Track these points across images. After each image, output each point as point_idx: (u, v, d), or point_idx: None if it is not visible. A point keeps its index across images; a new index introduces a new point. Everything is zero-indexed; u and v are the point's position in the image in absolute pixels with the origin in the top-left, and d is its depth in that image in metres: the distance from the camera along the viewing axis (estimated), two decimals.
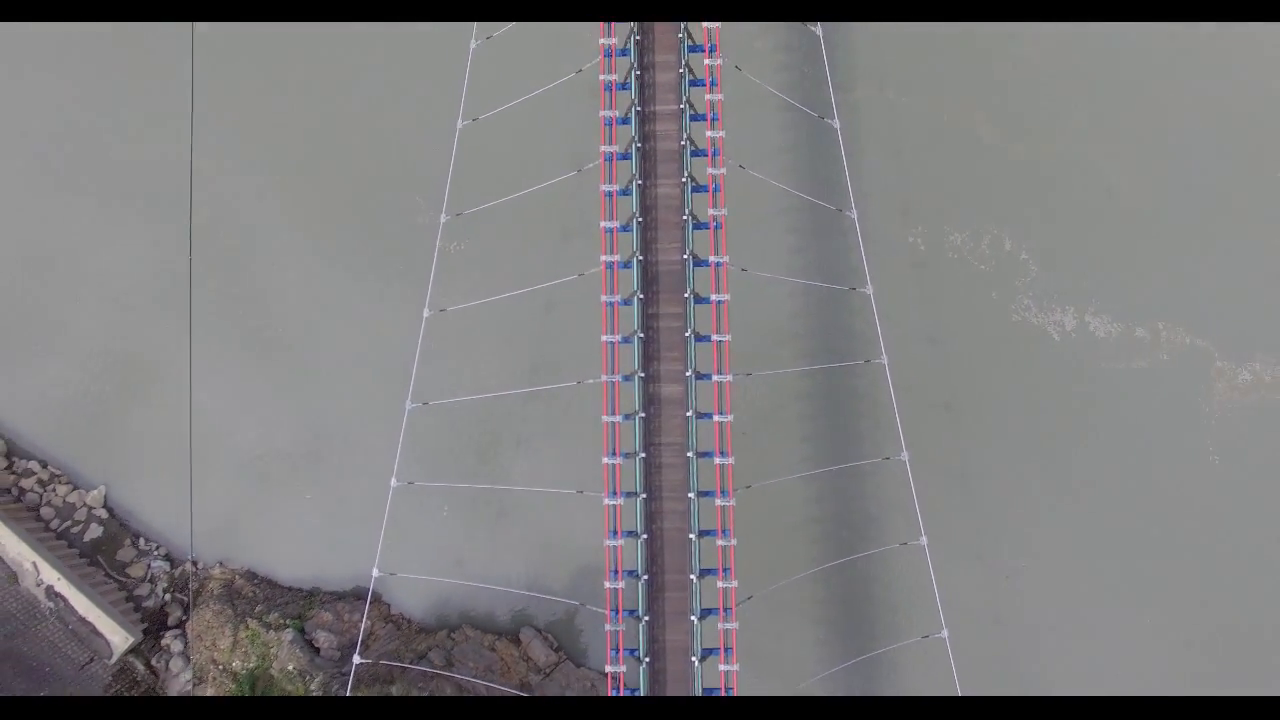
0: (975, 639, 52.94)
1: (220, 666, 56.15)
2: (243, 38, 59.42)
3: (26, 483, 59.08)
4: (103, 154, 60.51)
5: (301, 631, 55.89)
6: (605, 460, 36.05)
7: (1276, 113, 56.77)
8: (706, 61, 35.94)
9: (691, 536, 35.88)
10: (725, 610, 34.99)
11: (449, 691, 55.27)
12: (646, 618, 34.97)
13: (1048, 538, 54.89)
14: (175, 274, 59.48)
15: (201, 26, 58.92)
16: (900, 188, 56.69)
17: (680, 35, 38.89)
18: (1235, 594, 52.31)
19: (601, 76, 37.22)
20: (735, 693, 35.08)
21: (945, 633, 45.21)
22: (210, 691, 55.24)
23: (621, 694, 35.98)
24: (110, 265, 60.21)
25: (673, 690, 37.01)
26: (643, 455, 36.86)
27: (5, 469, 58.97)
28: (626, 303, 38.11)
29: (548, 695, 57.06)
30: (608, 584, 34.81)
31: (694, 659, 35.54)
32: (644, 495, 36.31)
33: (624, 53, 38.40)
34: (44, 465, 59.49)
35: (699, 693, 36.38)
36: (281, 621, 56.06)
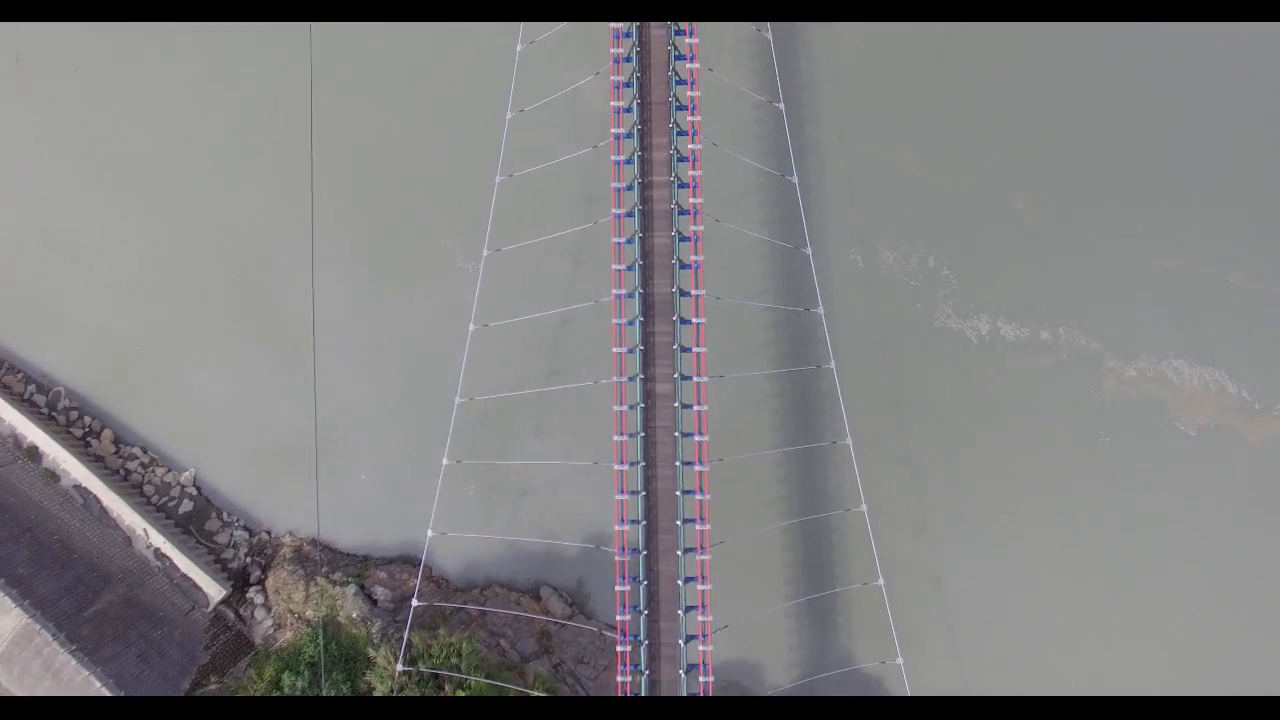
0: (915, 595, 69.23)
1: (296, 615, 72.32)
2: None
3: (131, 465, 75.63)
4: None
5: (361, 587, 72.07)
6: (615, 438, 52.49)
7: (1157, 147, 72.91)
8: (694, 148, 52.55)
9: (678, 494, 52.32)
10: (701, 549, 51.44)
11: (482, 635, 71.64)
12: (645, 552, 51.35)
13: (976, 508, 70.87)
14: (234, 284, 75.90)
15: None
16: (853, 220, 73.01)
17: (670, 122, 55.28)
18: (1119, 547, 68.43)
19: (613, 158, 53.60)
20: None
21: (881, 581, 61.44)
22: (289, 635, 71.43)
23: (626, 617, 52.22)
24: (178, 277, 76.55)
25: (665, 627, 53.20)
26: (642, 435, 53.17)
27: (114, 454, 75.56)
28: (630, 323, 54.43)
29: (563, 649, 73.32)
30: (617, 528, 51.06)
31: (680, 613, 52.04)
32: (643, 464, 52.71)
33: (629, 135, 54.69)
34: (144, 451, 76.07)
35: (684, 637, 52.32)
36: (344, 579, 72.22)
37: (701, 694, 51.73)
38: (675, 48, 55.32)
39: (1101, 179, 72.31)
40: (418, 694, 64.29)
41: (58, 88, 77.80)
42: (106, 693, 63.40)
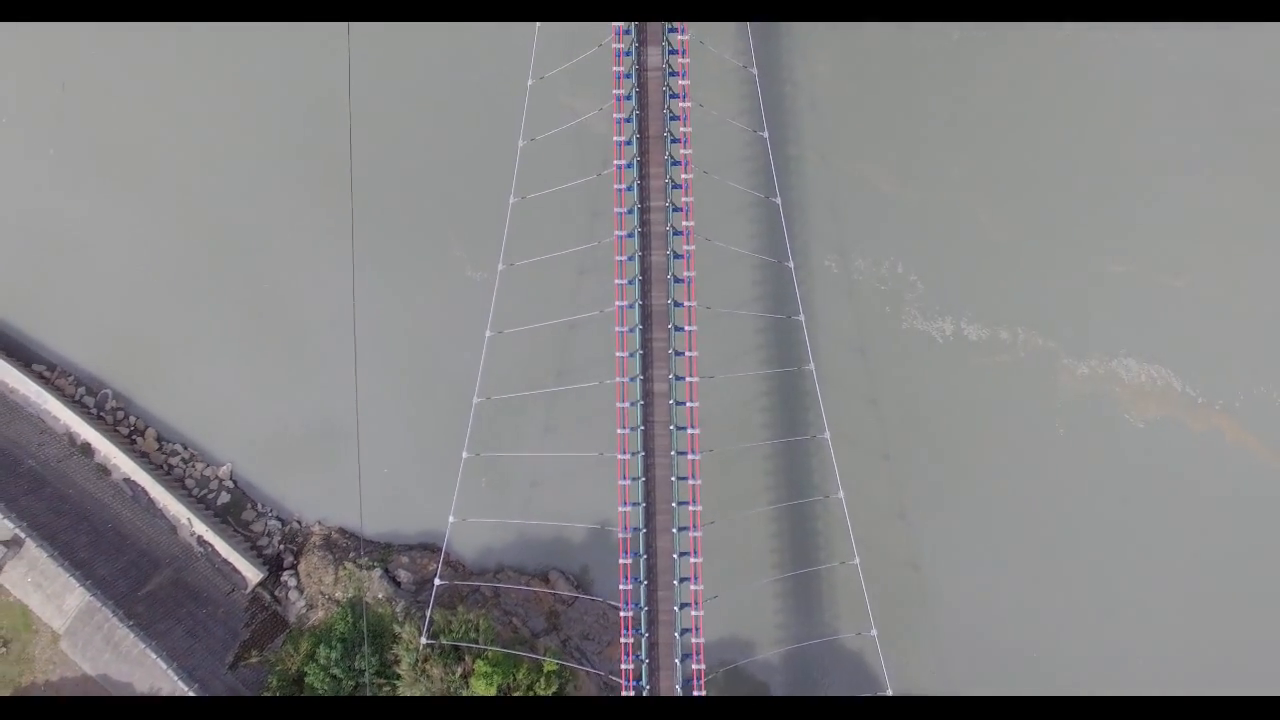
0: (892, 577, 78.58)
1: (326, 596, 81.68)
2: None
3: (173, 461, 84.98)
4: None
5: (385, 570, 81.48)
6: (618, 431, 61.89)
7: (1109, 163, 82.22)
8: (685, 178, 62.08)
9: (673, 479, 61.72)
10: (693, 527, 60.95)
11: (496, 614, 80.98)
12: (644, 529, 60.79)
13: (947, 495, 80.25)
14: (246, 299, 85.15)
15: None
16: (831, 233, 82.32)
17: (665, 154, 64.60)
18: (1076, 526, 77.73)
19: (615, 186, 63.17)
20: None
21: (856, 560, 70.79)
22: (320, 614, 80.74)
23: (628, 586, 61.65)
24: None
25: (662, 595, 62.50)
26: (642, 428, 62.55)
27: (158, 450, 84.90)
28: (631, 331, 63.79)
29: (570, 626, 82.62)
30: (620, 509, 60.51)
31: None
32: (643, 453, 62.06)
33: (629, 166, 64.15)
34: (185, 447, 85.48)
35: (678, 604, 61.82)
36: (370, 564, 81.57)
37: (694, 655, 61.26)
38: (669, 87, 64.85)
39: (1057, 192, 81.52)
40: (440, 665, 73.58)
41: (100, 107, 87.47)
42: (162, 664, 72.96)
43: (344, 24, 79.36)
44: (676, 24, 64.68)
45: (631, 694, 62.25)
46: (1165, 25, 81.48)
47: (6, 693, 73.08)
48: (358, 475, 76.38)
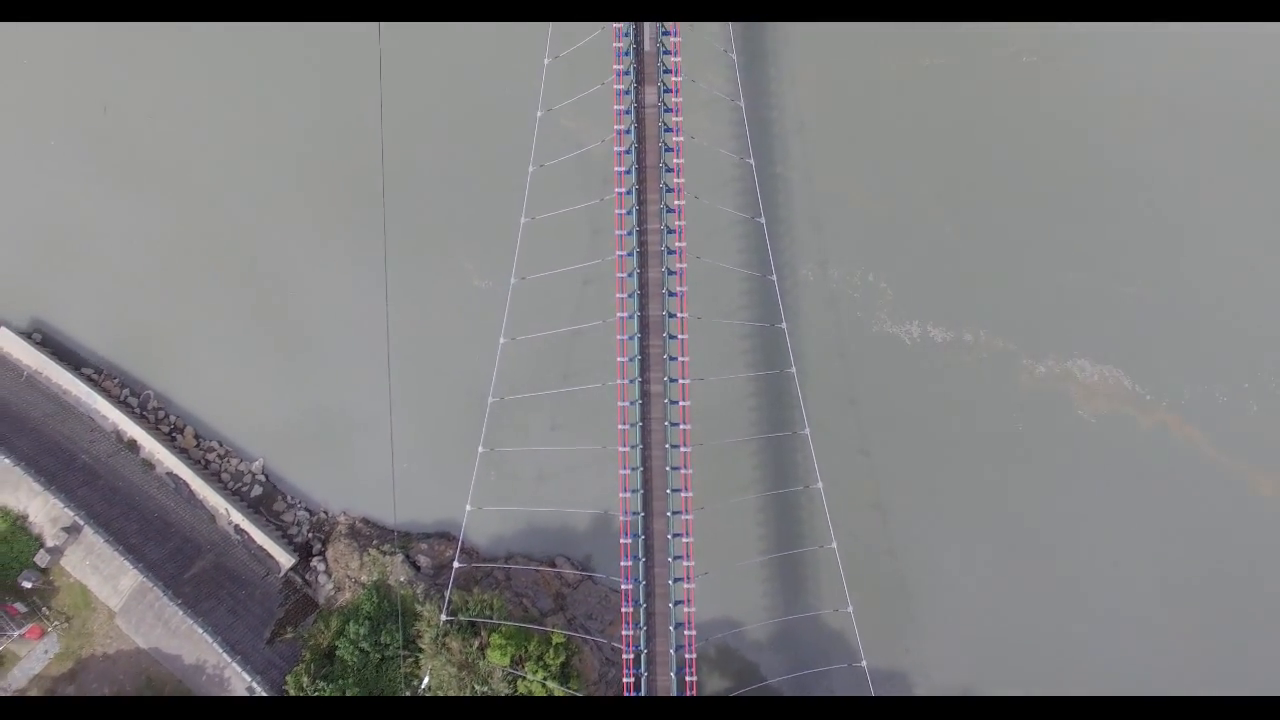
0: (869, 562, 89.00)
1: (352, 579, 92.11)
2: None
3: (210, 456, 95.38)
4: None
5: (406, 556, 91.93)
6: (619, 427, 72.38)
7: (1067, 177, 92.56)
8: (678, 204, 72.76)
9: (668, 469, 72.03)
10: (685, 511, 71.60)
11: (508, 595, 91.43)
12: (642, 513, 71.32)
13: (920, 486, 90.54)
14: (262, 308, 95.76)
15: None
16: (812, 246, 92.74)
17: (661, 182, 75.23)
18: (1035, 513, 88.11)
19: (617, 211, 73.73)
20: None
21: (834, 544, 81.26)
22: (347, 595, 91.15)
23: (628, 563, 72.25)
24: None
25: (658, 571, 73.03)
26: (640, 425, 72.95)
27: (196, 447, 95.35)
28: (630, 339, 74.22)
29: (575, 607, 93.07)
30: (621, 495, 71.04)
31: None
32: (641, 446, 72.46)
33: (629, 192, 74.70)
34: (220, 444, 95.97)
35: (672, 579, 72.47)
36: (392, 550, 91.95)
37: (687, 623, 71.61)
38: (664, 122, 75.38)
39: (1017, 206, 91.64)
40: (459, 639, 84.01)
41: (139, 127, 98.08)
42: (209, 639, 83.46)
43: (367, 43, 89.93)
44: (671, 65, 75.21)
45: (630, 657, 72.87)
46: (1112, 49, 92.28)
47: (69, 664, 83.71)
48: (391, 471, 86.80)
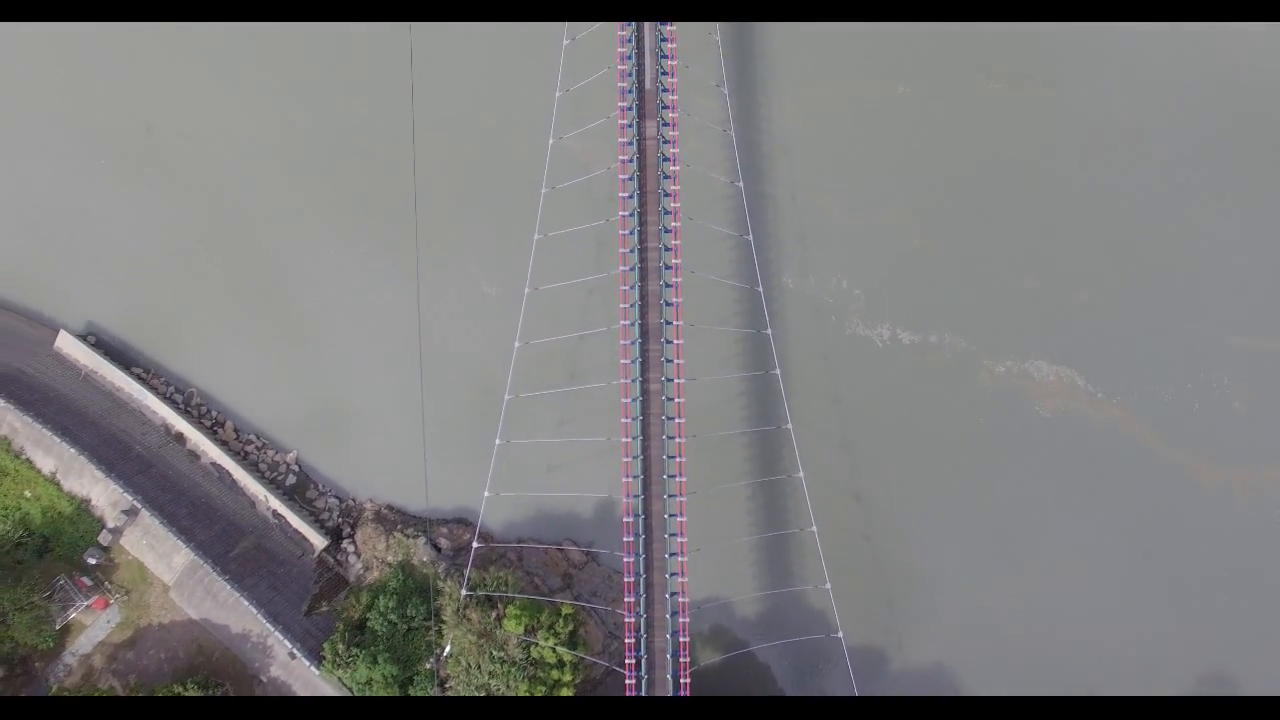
0: (847, 545, 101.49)
1: (380, 560, 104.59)
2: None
3: (249, 448, 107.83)
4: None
5: (428, 539, 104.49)
6: (622, 420, 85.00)
7: (1024, 190, 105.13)
8: (674, 225, 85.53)
9: (665, 458, 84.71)
10: (680, 494, 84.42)
11: (520, 574, 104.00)
12: (642, 496, 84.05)
13: (894, 476, 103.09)
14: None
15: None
16: (795, 257, 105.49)
17: (660, 206, 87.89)
18: (997, 500, 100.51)
19: (621, 231, 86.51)
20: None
21: (814, 527, 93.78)
22: (375, 574, 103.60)
23: (630, 539, 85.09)
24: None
25: (656, 547, 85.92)
26: (640, 419, 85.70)
27: (235, 440, 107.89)
28: (632, 343, 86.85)
29: (580, 594, 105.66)
30: (624, 479, 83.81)
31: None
32: (641, 438, 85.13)
33: (631, 215, 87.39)
34: (257, 436, 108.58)
35: (668, 553, 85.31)
36: (415, 534, 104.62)
37: (680, 592, 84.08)
38: (663, 153, 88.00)
39: (980, 219, 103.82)
40: (478, 611, 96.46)
41: (180, 144, 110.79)
42: (253, 610, 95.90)
43: (399, 72, 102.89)
44: (669, 101, 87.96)
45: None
46: (1070, 79, 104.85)
47: (129, 632, 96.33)
48: (424, 461, 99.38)
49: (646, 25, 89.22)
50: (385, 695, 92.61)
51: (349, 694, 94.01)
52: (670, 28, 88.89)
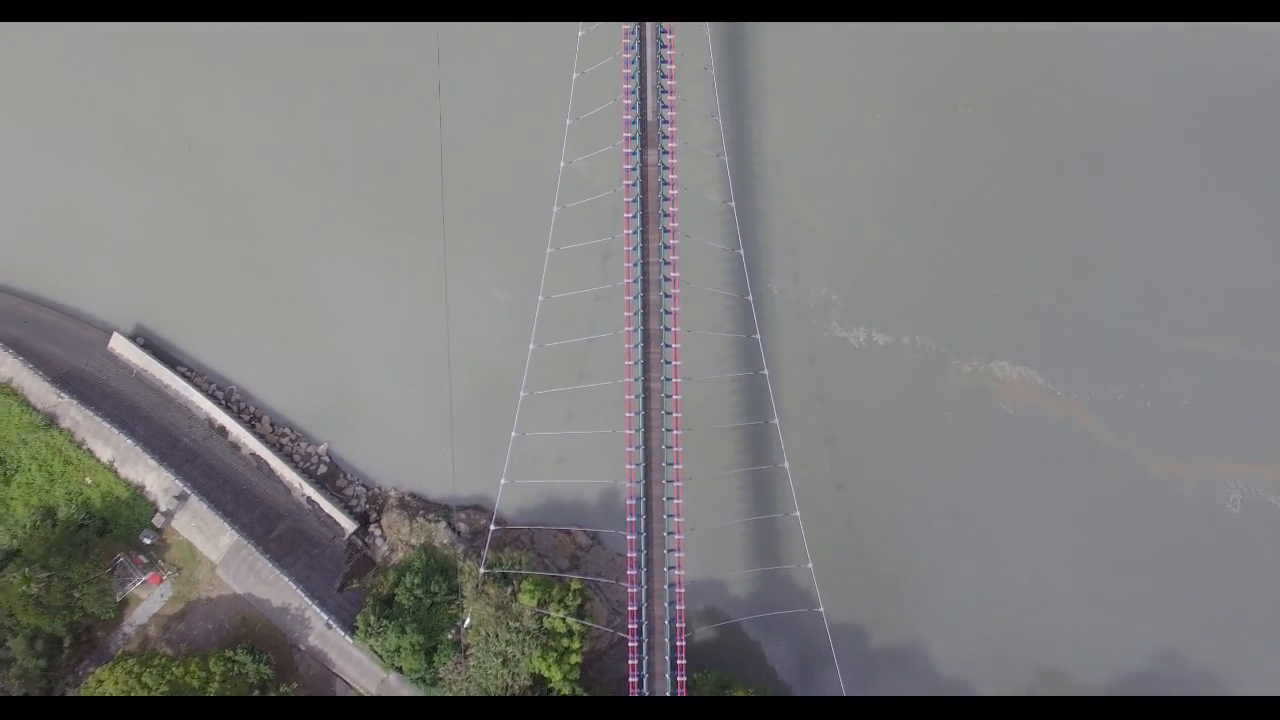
0: (828, 529, 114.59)
1: (404, 542, 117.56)
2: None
3: (284, 440, 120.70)
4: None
5: (448, 523, 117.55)
6: (627, 414, 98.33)
7: (991, 200, 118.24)
8: (673, 241, 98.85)
9: (664, 447, 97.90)
10: (676, 479, 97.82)
11: (532, 555, 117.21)
12: (644, 481, 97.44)
13: (871, 466, 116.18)
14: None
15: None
16: (780, 267, 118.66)
17: (660, 225, 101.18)
18: (964, 489, 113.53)
19: (625, 248, 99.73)
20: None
21: (798, 512, 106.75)
22: (400, 555, 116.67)
23: (633, 519, 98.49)
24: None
25: (655, 526, 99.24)
26: (642, 414, 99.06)
27: (272, 433, 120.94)
28: (635, 347, 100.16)
29: (586, 574, 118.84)
30: (627, 467, 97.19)
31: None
32: (643, 430, 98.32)
33: (634, 232, 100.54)
34: (292, 430, 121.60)
35: (666, 531, 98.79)
36: (436, 519, 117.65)
37: (677, 566, 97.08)
38: (663, 178, 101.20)
39: (950, 229, 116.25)
40: (495, 587, 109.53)
41: (216, 162, 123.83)
42: (293, 586, 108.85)
43: (426, 95, 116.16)
44: (668, 132, 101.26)
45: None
46: (1037, 102, 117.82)
47: (180, 606, 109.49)
48: (451, 454, 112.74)
49: (649, 62, 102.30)
50: (413, 663, 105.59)
51: (379, 659, 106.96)
52: (671, 66, 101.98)
